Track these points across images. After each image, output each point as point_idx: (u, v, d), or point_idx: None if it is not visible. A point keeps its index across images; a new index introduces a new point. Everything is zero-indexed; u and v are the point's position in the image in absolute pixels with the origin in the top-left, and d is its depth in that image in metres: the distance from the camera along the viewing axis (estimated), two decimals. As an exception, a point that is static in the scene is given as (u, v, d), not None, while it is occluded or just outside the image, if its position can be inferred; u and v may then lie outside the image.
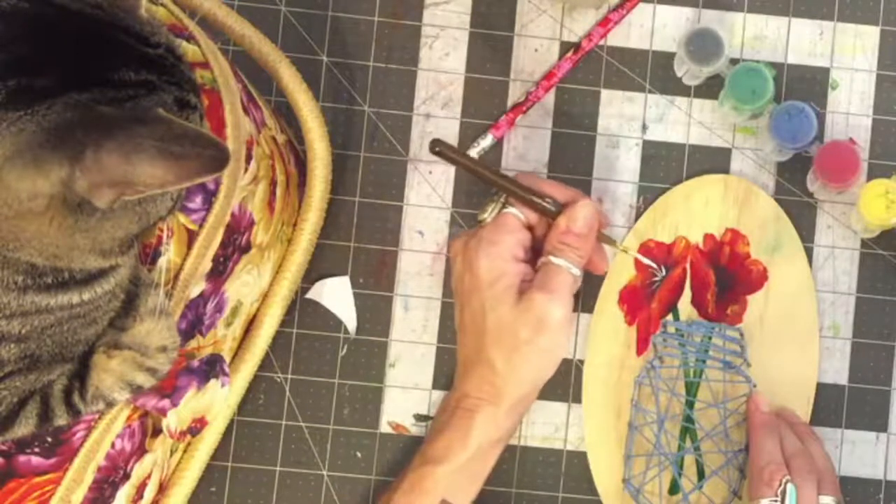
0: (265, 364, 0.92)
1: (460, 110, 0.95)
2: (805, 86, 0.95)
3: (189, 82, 0.64)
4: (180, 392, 0.73)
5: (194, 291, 0.76)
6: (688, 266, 0.94)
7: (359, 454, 0.94)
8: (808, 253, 0.94)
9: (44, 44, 0.59)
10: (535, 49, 0.95)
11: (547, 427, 0.94)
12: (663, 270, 0.94)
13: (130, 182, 0.58)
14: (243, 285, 0.83)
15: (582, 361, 0.94)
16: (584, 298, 0.94)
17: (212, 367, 0.75)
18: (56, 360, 0.66)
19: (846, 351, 0.94)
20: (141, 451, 0.77)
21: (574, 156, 0.95)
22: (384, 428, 0.94)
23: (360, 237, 0.94)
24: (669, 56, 0.95)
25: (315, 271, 0.94)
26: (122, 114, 0.59)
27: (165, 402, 0.73)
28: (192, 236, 0.74)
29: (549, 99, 0.95)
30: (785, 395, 0.93)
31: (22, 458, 0.69)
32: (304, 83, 0.87)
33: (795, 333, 0.93)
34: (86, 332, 0.67)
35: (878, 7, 0.95)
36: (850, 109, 0.94)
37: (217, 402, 0.75)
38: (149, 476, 0.80)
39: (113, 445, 0.73)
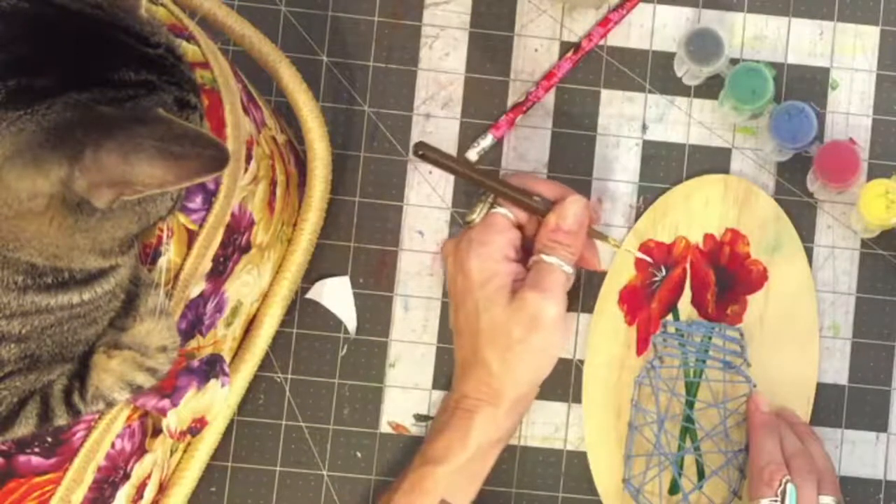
0: (265, 364, 0.92)
1: (460, 110, 0.95)
2: (805, 86, 0.95)
3: (189, 82, 0.64)
4: (180, 392, 0.73)
5: (194, 291, 0.76)
6: (688, 266, 0.94)
7: (359, 454, 0.94)
8: (808, 253, 0.94)
9: (44, 44, 0.59)
10: (535, 49, 0.95)
11: (547, 427, 0.94)
12: (663, 270, 0.94)
13: (130, 182, 0.58)
14: (243, 285, 0.83)
15: (582, 361, 0.94)
16: (584, 298, 0.94)
17: (212, 367, 0.75)
18: (56, 360, 0.66)
19: (846, 351, 0.94)
20: (141, 451, 0.77)
21: (574, 156, 0.95)
22: (384, 428, 0.94)
23: (360, 237, 0.94)
24: (669, 56, 0.95)
25: (315, 271, 0.94)
26: (121, 114, 0.59)
27: (165, 402, 0.73)
28: (192, 236, 0.74)
29: (549, 99, 0.95)
30: (785, 395, 0.93)
31: (22, 458, 0.69)
32: (304, 83, 0.87)
33: (795, 333, 0.93)
34: (86, 332, 0.67)
35: (878, 7, 0.95)
36: (850, 109, 0.94)
37: (217, 402, 0.75)
38: (149, 476, 0.80)
39: (113, 445, 0.73)
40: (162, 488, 0.85)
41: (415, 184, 0.95)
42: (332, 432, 0.94)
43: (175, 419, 0.73)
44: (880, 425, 0.93)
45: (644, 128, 0.95)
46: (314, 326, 0.94)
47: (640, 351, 0.93)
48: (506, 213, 0.89)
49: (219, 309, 0.81)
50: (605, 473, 0.93)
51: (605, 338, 0.93)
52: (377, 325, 0.94)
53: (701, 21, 0.95)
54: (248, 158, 0.78)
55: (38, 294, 0.62)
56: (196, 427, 0.75)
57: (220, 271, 0.78)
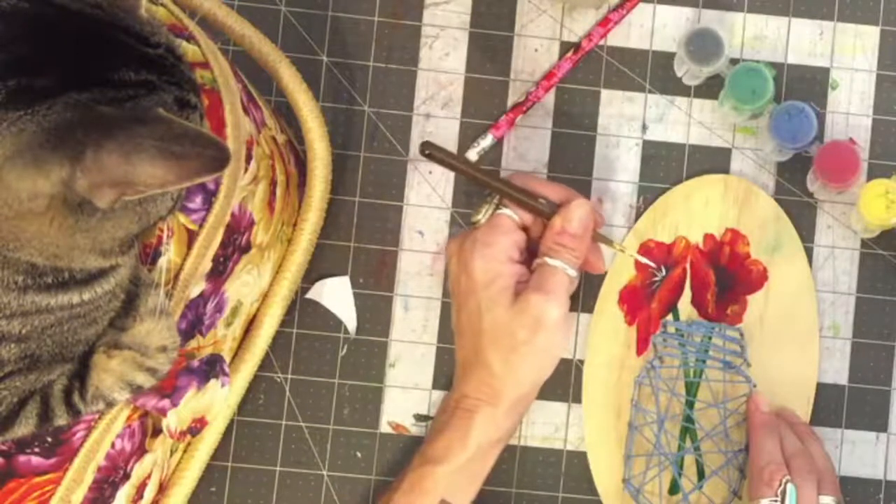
0: (265, 364, 0.92)
1: (460, 110, 0.95)
2: (805, 86, 0.95)
3: (189, 82, 0.64)
4: (180, 392, 0.73)
5: (194, 291, 0.76)
6: (688, 266, 0.94)
7: (359, 454, 0.94)
8: (808, 253, 0.94)
9: (44, 44, 0.59)
10: (535, 49, 0.95)
11: (547, 427, 0.94)
12: (663, 270, 0.94)
13: (131, 182, 0.58)
14: (243, 285, 0.83)
15: (582, 361, 0.94)
16: (584, 298, 0.94)
17: (212, 367, 0.74)
18: (56, 360, 0.66)
19: (846, 351, 0.94)
20: (141, 451, 0.77)
21: (574, 156, 0.95)
22: (384, 428, 0.94)
23: (360, 237, 0.94)
24: (669, 56, 0.95)
25: (315, 271, 0.94)
26: (122, 114, 0.59)
27: (165, 402, 0.73)
28: (192, 236, 0.74)
29: (549, 99, 0.95)
30: (785, 395, 0.93)
31: (22, 458, 0.69)
32: (304, 83, 0.87)
33: (795, 333, 0.93)
34: (86, 332, 0.67)
35: (878, 7, 0.95)
36: (850, 109, 0.94)
37: (217, 402, 0.75)
38: (149, 476, 0.80)
39: (113, 445, 0.73)
40: (162, 488, 0.85)
41: (415, 184, 0.95)
42: (332, 432, 0.93)
43: (175, 419, 0.73)
44: (880, 425, 0.93)
45: (644, 128, 0.95)
46: (314, 326, 0.94)
47: (640, 351, 0.93)
48: (511, 215, 0.88)
49: (219, 309, 0.81)
50: (605, 473, 0.93)
51: (605, 338, 0.93)
52: (377, 325, 0.94)
53: (701, 21, 0.95)
54: (248, 158, 0.78)
55: (38, 294, 0.62)
56: (196, 427, 0.75)
57: (220, 271, 0.78)
